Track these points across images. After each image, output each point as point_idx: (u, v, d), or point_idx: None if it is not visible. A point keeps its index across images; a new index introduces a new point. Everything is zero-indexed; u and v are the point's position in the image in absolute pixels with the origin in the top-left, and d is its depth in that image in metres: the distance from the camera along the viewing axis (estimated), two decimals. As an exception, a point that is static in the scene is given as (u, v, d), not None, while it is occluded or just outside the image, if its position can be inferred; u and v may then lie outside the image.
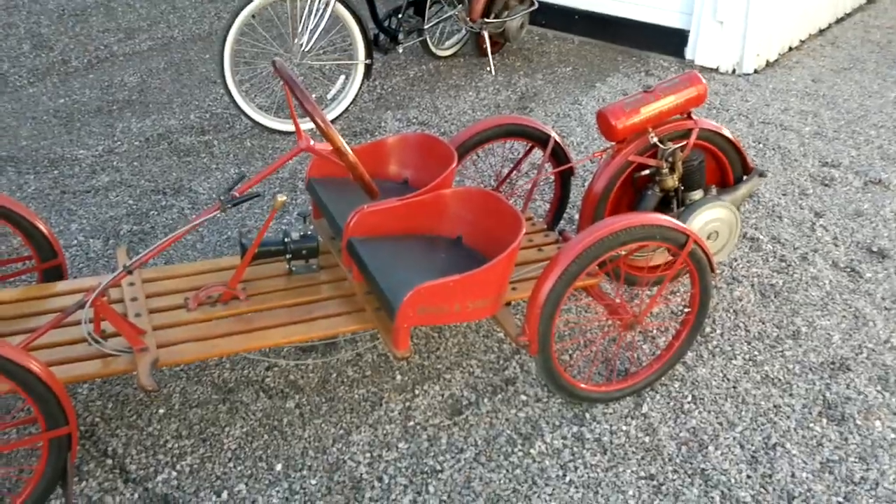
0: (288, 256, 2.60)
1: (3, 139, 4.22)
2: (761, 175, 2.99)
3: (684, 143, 2.77)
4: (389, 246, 2.50)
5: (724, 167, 2.96)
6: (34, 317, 2.37)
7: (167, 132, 4.34)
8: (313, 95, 4.75)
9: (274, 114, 4.43)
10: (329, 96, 4.57)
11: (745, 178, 2.99)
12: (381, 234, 2.54)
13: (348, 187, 2.81)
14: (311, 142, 2.34)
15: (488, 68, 5.30)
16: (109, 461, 2.31)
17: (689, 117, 2.83)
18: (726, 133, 2.89)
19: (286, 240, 2.59)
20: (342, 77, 4.52)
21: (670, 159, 2.74)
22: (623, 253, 2.53)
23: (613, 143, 2.81)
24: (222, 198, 2.25)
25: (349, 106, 4.53)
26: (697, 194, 2.87)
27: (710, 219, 2.80)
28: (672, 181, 2.77)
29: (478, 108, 4.76)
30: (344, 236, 2.50)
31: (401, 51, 4.98)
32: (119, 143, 4.22)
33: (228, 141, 4.28)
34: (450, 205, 2.59)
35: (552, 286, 2.31)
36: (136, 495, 2.21)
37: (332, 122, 4.46)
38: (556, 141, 3.00)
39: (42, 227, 2.56)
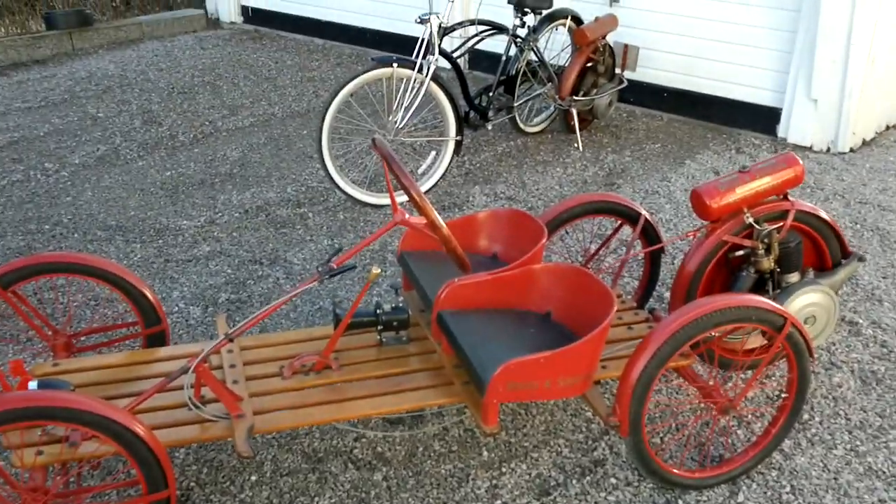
0: (379, 328, 2.65)
1: (112, 209, 4.47)
2: (860, 259, 2.92)
3: (780, 224, 2.74)
4: (479, 319, 2.52)
5: (821, 250, 2.90)
6: (139, 381, 2.47)
7: (265, 204, 4.52)
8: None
9: (366, 188, 4.56)
10: (420, 171, 4.69)
11: (843, 261, 2.92)
12: (470, 308, 2.57)
13: (439, 261, 2.86)
14: (406, 215, 2.40)
15: (576, 144, 5.35)
16: (203, 526, 2.36)
17: (786, 198, 2.79)
18: (824, 215, 2.84)
19: (378, 311, 2.65)
20: (433, 153, 4.64)
21: (766, 240, 2.71)
22: (717, 335, 2.49)
23: (707, 223, 2.79)
24: (320, 269, 2.33)
25: (439, 181, 4.64)
26: (794, 277, 2.81)
27: (807, 303, 2.73)
28: (768, 263, 2.72)
29: (565, 183, 4.80)
30: (434, 309, 2.54)
31: (490, 128, 5.10)
32: (220, 214, 4.41)
33: (322, 213, 4.42)
34: (540, 280, 2.61)
35: (645, 365, 2.28)
36: (226, 562, 2.24)
37: (425, 194, 4.55)
38: (646, 219, 3.00)
39: (149, 294, 2.69)
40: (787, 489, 2.51)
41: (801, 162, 2.77)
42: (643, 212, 3.00)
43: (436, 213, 2.27)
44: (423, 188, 4.57)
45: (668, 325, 2.29)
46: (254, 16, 8.65)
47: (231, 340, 2.30)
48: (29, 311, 2.63)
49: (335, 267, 2.34)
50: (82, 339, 2.76)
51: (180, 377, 2.29)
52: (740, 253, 2.78)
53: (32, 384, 2.17)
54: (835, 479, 2.56)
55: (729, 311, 2.31)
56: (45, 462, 2.06)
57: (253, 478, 2.55)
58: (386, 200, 4.51)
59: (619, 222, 3.12)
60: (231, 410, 2.28)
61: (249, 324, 2.30)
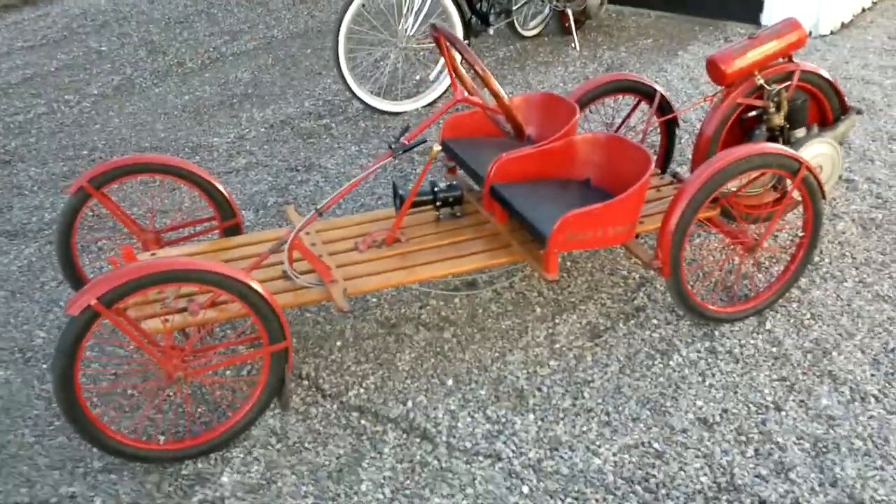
0: (438, 204, 2.94)
1: (142, 132, 4.67)
2: (858, 112, 3.23)
3: (788, 83, 3.04)
4: (528, 188, 2.82)
5: (823, 106, 3.21)
6: (238, 261, 2.74)
7: (288, 119, 4.74)
8: (417, 76, 5.11)
9: (383, 96, 4.79)
10: (430, 78, 4.92)
11: (843, 116, 3.23)
12: (518, 180, 2.86)
13: (480, 144, 3.14)
14: (465, 93, 2.67)
15: (573, 44, 5.59)
16: (306, 382, 2.68)
17: (791, 60, 3.09)
18: (825, 74, 3.14)
19: (435, 189, 2.94)
20: (441, 59, 4.85)
21: (776, 99, 3.01)
22: (734, 189, 2.80)
23: (722, 89, 3.09)
24: (393, 146, 2.60)
25: (449, 86, 4.86)
26: (801, 132, 3.12)
27: (815, 153, 3.06)
28: (778, 120, 3.03)
29: (568, 80, 5.05)
30: (486, 183, 2.83)
31: (491, 32, 5.31)
32: (247, 130, 4.63)
33: (344, 123, 4.66)
34: (580, 149, 2.90)
35: (682, 212, 2.60)
36: (335, 406, 2.57)
37: (437, 100, 4.80)
38: (661, 94, 3.28)
39: (223, 189, 2.94)
40: (808, 316, 2.88)
41: (803, 25, 3.06)
42: (659, 88, 3.29)
43: (498, 85, 2.53)
44: (437, 93, 4.80)
45: (701, 175, 2.60)
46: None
47: (321, 214, 2.58)
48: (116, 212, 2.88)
49: (406, 143, 2.61)
50: (167, 234, 3.01)
51: (279, 250, 2.57)
52: (753, 114, 3.08)
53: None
54: (848, 305, 2.92)
55: (752, 158, 2.62)
56: (178, 325, 2.36)
57: (338, 343, 2.87)
58: (401, 108, 4.74)
59: (638, 99, 3.40)
60: (324, 277, 2.57)
61: (335, 199, 2.58)
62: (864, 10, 6.09)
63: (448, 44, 2.59)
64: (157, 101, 5.13)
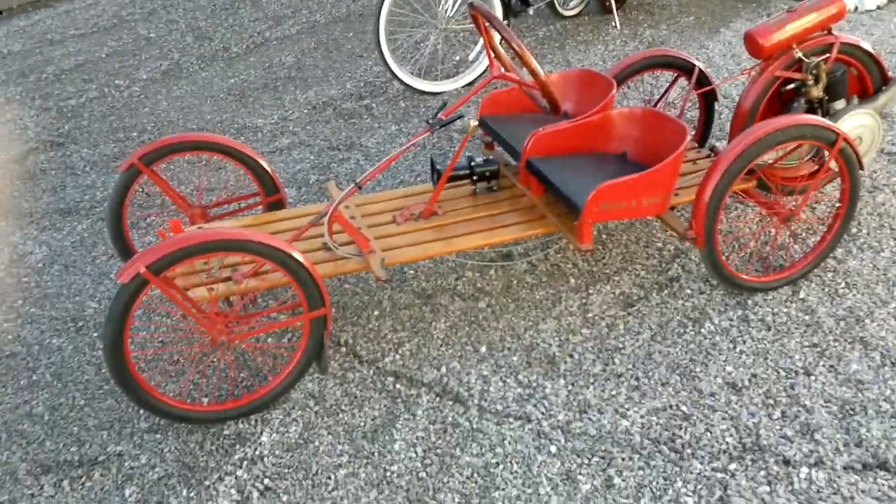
0: (475, 178, 3.00)
1: (190, 115, 4.81)
2: (900, 84, 3.19)
3: (827, 56, 3.02)
4: (564, 161, 2.86)
5: (864, 79, 3.18)
6: (281, 234, 2.84)
7: (330, 100, 4.83)
8: (456, 57, 5.16)
9: (423, 77, 4.85)
10: (470, 58, 4.97)
11: (884, 87, 3.20)
12: (554, 154, 2.91)
13: (517, 120, 3.19)
14: (502, 70, 2.72)
15: (613, 23, 5.58)
16: (343, 349, 2.77)
17: (830, 33, 3.07)
18: (865, 46, 3.11)
19: (472, 164, 2.99)
20: (481, 40, 4.90)
21: (815, 72, 3.00)
22: (771, 160, 2.80)
23: (760, 62, 3.08)
24: (431, 121, 2.66)
25: (488, 66, 4.90)
26: (840, 104, 3.10)
27: (854, 125, 3.04)
28: (817, 92, 3.02)
29: (608, 59, 5.06)
30: (523, 157, 2.88)
31: (531, 12, 5.33)
32: (290, 111, 4.73)
33: (385, 104, 4.73)
34: (616, 124, 2.93)
35: (717, 182, 2.62)
36: (371, 371, 2.65)
37: (476, 80, 4.85)
38: (700, 69, 3.29)
39: (267, 166, 3.04)
40: (843, 285, 2.87)
41: (843, -2, 3.04)
42: (697, 63, 3.29)
43: (534, 60, 2.58)
44: (476, 73, 4.85)
45: (737, 146, 2.62)
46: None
47: (360, 188, 2.65)
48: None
49: (444, 118, 2.67)
50: (213, 209, 3.12)
51: (320, 220, 2.66)
52: (791, 86, 3.07)
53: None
54: (884, 274, 2.91)
55: (789, 129, 2.62)
56: (223, 294, 2.46)
57: (375, 312, 2.95)
58: (441, 88, 4.80)
59: (677, 74, 3.41)
60: (363, 248, 2.65)
61: (373, 173, 2.65)
62: (913, -16, 5.96)
63: (486, 22, 2.64)
64: (203, 84, 5.26)
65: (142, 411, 2.53)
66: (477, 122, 2.73)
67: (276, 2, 6.80)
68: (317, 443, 2.39)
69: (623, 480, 2.19)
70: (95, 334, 2.92)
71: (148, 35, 6.27)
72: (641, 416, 2.38)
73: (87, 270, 3.33)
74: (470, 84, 4.84)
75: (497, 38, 2.88)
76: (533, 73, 2.60)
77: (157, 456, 2.39)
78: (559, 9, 5.65)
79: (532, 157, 2.86)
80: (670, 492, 2.15)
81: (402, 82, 4.71)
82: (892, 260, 2.98)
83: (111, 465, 2.38)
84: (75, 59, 5.87)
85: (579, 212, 2.57)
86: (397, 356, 2.72)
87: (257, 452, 2.37)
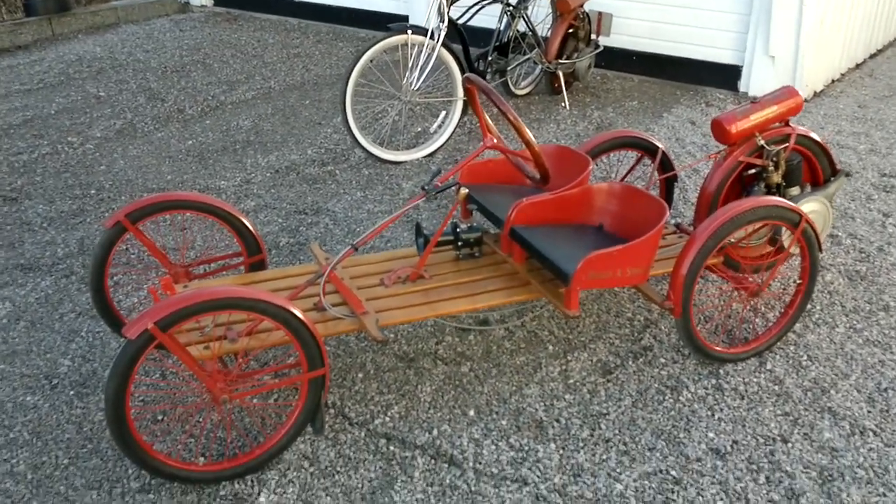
0: (459, 244, 3.09)
1: (148, 174, 4.77)
2: (847, 175, 3.48)
3: (786, 145, 3.27)
4: (546, 231, 2.99)
5: (815, 168, 3.45)
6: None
7: (293, 165, 4.88)
8: (418, 129, 5.30)
9: (385, 146, 4.96)
10: (432, 130, 5.12)
11: (832, 177, 3.47)
12: (536, 223, 3.03)
13: (497, 191, 3.31)
14: (494, 140, 2.84)
15: (563, 104, 5.85)
16: (332, 410, 2.77)
17: (788, 124, 3.33)
18: (817, 138, 3.38)
19: (457, 230, 3.09)
20: (443, 112, 5.07)
21: (775, 159, 3.24)
22: (733, 241, 3.00)
23: (725, 147, 3.31)
24: (426, 187, 2.75)
25: (449, 138, 5.07)
26: (796, 191, 3.35)
27: (809, 210, 3.28)
28: (777, 178, 3.25)
29: (560, 137, 5.29)
30: (506, 226, 2.99)
31: (487, 90, 5.54)
32: (252, 174, 4.75)
33: (348, 170, 4.81)
34: (596, 197, 3.08)
35: (694, 256, 2.78)
36: (362, 433, 2.66)
37: (436, 151, 4.99)
38: (663, 151, 3.50)
39: (250, 226, 3.06)
40: (805, 358, 3.06)
41: (801, 94, 3.31)
42: (661, 145, 3.51)
43: (529, 132, 2.71)
44: (438, 143, 5.00)
45: (712, 223, 2.79)
46: (225, -1, 8.90)
47: (356, 249, 2.70)
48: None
49: (439, 185, 2.76)
50: (195, 268, 3.11)
51: (316, 281, 2.69)
52: (753, 171, 3.30)
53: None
54: (841, 348, 3.11)
55: (759, 209, 2.82)
56: (226, 351, 2.45)
57: (360, 374, 2.97)
58: (402, 157, 4.92)
59: (640, 154, 3.62)
60: (357, 309, 2.69)
61: (370, 235, 2.71)
62: (833, 80, 6.48)
63: (482, 94, 2.77)
64: (160, 145, 5.24)
65: (130, 471, 2.46)
66: (466, 190, 2.84)
67: (228, 67, 6.86)
68: (316, 503, 2.38)
69: (621, 542, 2.26)
70: (72, 392, 2.84)
71: (98, 94, 6.22)
72: (634, 480, 2.46)
73: (55, 327, 3.24)
74: (430, 156, 4.97)
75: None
76: (528, 143, 2.73)
77: (147, 519, 2.33)
78: (512, 87, 5.90)
79: (516, 225, 2.98)
80: (668, 553, 2.22)
81: (364, 150, 4.81)
82: (847, 335, 3.19)
83: (98, 528, 2.30)
84: (23, 114, 5.76)
85: (568, 279, 2.68)
86: (387, 418, 2.74)
87: (254, 515, 2.34)
